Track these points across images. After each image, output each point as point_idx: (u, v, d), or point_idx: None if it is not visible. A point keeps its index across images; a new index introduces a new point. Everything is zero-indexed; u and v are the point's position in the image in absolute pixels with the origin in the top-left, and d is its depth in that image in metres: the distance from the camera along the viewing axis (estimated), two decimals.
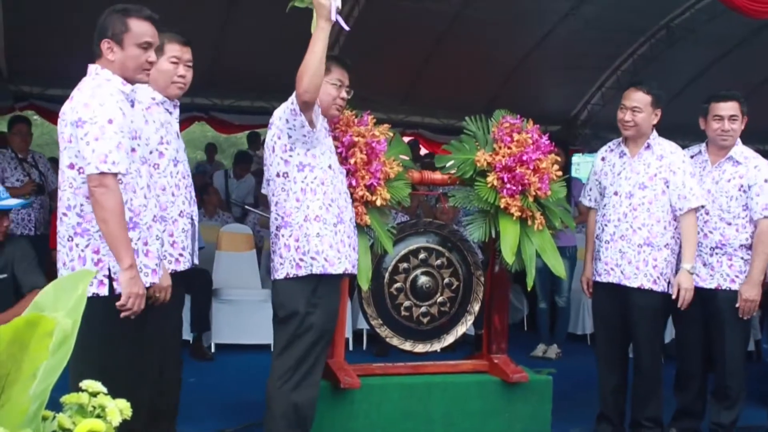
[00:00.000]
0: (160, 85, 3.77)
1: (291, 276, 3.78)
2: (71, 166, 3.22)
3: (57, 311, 1.49)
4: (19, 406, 1.41)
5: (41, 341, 1.39)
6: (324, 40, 3.58)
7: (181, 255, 3.73)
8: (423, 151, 11.26)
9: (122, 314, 3.19)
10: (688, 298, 4.54)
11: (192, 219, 3.81)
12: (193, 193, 3.88)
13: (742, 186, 4.71)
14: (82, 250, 3.22)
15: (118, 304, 3.18)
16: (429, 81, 10.73)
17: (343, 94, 3.95)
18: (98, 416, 1.52)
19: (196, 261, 3.92)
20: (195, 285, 6.17)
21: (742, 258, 4.72)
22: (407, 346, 4.69)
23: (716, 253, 4.73)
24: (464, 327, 4.81)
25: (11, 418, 1.40)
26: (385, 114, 10.33)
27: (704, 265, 4.74)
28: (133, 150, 3.25)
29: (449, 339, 4.81)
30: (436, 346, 4.79)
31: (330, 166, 3.86)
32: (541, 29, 10.22)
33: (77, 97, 3.22)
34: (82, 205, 3.21)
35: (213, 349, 6.95)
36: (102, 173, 3.11)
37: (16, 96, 9.44)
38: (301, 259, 3.76)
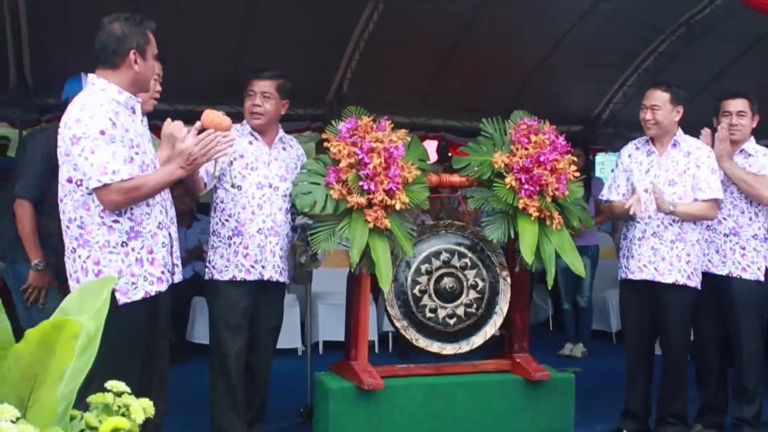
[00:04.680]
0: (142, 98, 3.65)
1: None
2: (69, 180, 3.23)
3: (82, 315, 1.56)
4: (47, 406, 1.48)
5: (67, 344, 1.46)
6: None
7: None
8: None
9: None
10: (635, 204, 4.55)
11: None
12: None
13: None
14: (84, 261, 3.23)
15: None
16: (450, 83, 10.74)
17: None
18: (123, 415, 1.60)
19: (178, 278, 3.57)
20: None
21: (755, 249, 4.80)
22: (434, 348, 4.68)
23: (729, 240, 4.81)
24: (493, 328, 4.76)
25: (41, 417, 1.47)
26: (407, 117, 10.36)
27: (717, 252, 4.81)
28: (131, 159, 3.22)
29: (478, 341, 4.75)
30: (465, 348, 4.73)
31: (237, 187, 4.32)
32: (561, 28, 10.21)
33: (70, 111, 3.23)
34: (82, 217, 3.22)
35: None
36: (106, 185, 3.13)
37: (42, 108, 9.57)
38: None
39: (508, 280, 4.78)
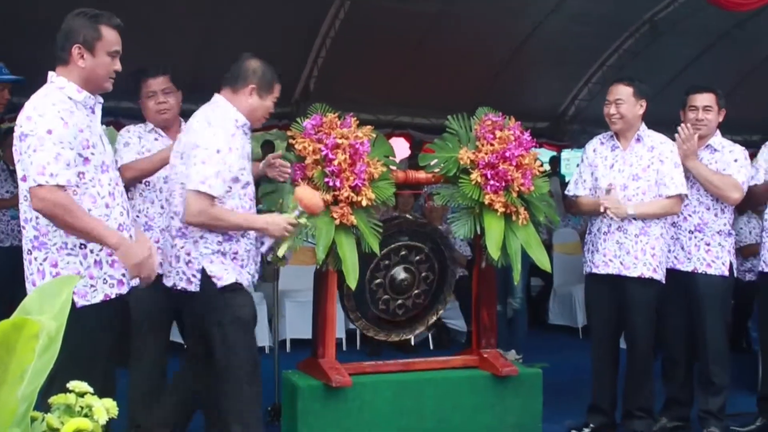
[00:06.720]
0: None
1: None
2: (24, 179, 3.14)
3: (42, 315, 1.54)
4: (7, 407, 1.45)
5: (27, 343, 1.44)
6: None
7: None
8: None
9: (143, 284, 3.26)
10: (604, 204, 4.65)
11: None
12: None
13: (718, 171, 4.84)
14: (41, 264, 3.14)
15: (133, 284, 3.27)
16: (417, 81, 10.76)
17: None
18: (85, 415, 1.58)
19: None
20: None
21: (719, 244, 4.84)
22: (382, 336, 4.86)
23: (695, 237, 4.85)
24: (435, 317, 4.98)
25: (1, 418, 1.45)
26: (374, 115, 10.35)
27: (682, 248, 4.87)
28: (86, 159, 3.15)
29: (420, 328, 5.03)
30: (408, 335, 5.03)
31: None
32: (527, 26, 10.27)
33: (24, 109, 3.16)
34: (37, 218, 3.13)
35: None
36: (40, 185, 3.03)
37: (6, 108, 9.44)
38: None
39: (456, 273, 4.99)
